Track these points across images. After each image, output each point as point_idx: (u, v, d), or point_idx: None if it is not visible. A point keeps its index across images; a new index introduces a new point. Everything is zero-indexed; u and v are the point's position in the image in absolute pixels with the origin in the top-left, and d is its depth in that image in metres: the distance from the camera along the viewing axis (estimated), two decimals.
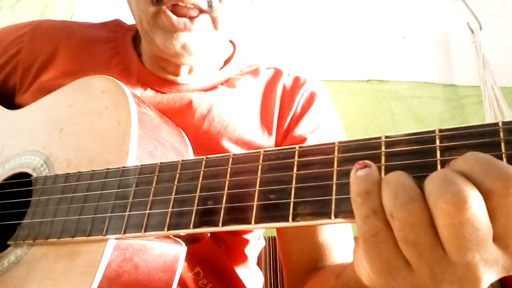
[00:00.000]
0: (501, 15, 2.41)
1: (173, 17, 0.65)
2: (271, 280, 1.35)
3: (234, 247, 0.77)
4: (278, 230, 0.75)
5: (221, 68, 0.81)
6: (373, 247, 0.32)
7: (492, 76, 2.21)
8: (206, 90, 0.76)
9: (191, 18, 0.65)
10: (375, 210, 0.32)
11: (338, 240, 0.70)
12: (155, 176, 0.48)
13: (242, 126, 0.74)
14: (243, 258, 0.79)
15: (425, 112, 2.26)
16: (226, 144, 0.72)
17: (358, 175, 0.33)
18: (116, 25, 0.86)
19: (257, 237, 0.82)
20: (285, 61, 0.83)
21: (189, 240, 0.55)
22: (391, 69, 2.33)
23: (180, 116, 0.72)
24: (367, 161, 0.33)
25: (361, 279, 0.40)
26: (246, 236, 0.78)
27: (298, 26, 2.35)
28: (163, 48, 0.67)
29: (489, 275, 0.32)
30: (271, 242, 1.43)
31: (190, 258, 0.68)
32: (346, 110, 2.03)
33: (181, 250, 0.56)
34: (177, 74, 0.75)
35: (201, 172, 0.44)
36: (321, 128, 0.77)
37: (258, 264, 0.86)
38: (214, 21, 0.68)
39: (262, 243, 0.87)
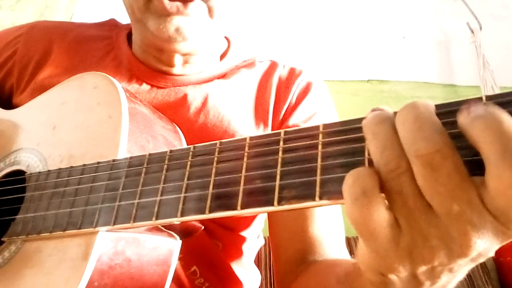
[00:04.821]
0: (501, 15, 2.41)
1: (165, 1, 0.64)
2: (270, 279, 1.34)
3: (231, 244, 0.76)
4: (270, 221, 0.74)
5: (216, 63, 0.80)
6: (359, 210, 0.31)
7: (492, 76, 2.21)
8: (200, 83, 0.76)
9: (185, 3, 0.64)
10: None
11: (329, 234, 0.69)
12: (144, 167, 0.47)
13: (237, 118, 0.73)
14: (240, 256, 0.77)
15: None
16: (222, 137, 0.71)
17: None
18: (111, 24, 0.87)
19: (255, 235, 0.81)
20: (285, 61, 0.84)
21: (183, 233, 0.55)
22: (391, 69, 2.33)
23: (176, 111, 0.71)
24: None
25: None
26: (243, 233, 0.77)
27: (298, 26, 2.36)
28: (157, 33, 0.66)
29: (482, 240, 0.29)
30: None
31: (186, 257, 0.67)
32: (346, 110, 2.02)
33: (175, 243, 0.55)
34: (171, 65, 0.75)
35: (189, 161, 0.44)
36: (316, 118, 0.76)
37: (258, 263, 0.85)
38: (210, 10, 0.67)
39: (261, 242, 0.86)
